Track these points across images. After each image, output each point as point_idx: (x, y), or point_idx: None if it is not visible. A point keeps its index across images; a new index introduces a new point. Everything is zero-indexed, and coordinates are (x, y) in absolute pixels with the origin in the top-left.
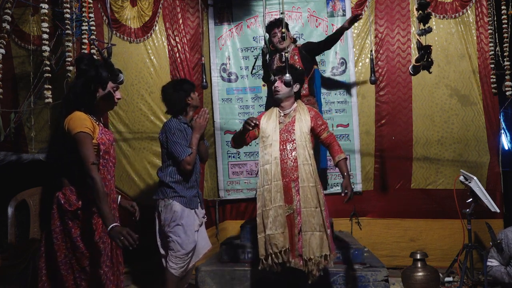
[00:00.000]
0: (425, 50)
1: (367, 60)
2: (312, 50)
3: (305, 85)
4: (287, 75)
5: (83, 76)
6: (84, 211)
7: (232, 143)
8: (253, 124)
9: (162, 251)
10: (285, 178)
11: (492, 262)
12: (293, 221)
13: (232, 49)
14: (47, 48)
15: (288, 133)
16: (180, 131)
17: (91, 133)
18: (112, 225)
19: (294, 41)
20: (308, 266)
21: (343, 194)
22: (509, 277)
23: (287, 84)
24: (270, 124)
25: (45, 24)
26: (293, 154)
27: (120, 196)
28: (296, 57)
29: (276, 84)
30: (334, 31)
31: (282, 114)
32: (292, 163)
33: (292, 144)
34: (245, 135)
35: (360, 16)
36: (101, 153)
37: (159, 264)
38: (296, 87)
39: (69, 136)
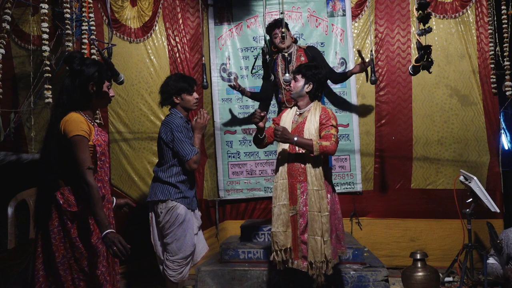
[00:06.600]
0: (425, 50)
1: (367, 60)
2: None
3: None
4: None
5: (79, 77)
6: (83, 211)
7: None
8: (259, 116)
9: (160, 256)
10: (291, 178)
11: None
12: (296, 223)
13: (232, 49)
14: (47, 48)
15: (298, 133)
16: (186, 128)
17: (87, 136)
18: (107, 231)
19: (295, 41)
20: (312, 270)
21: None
22: (501, 272)
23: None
24: (286, 121)
25: (45, 24)
26: (300, 155)
27: (115, 198)
28: (303, 58)
29: (291, 84)
30: (344, 71)
31: (297, 113)
32: (300, 164)
33: None
34: (259, 133)
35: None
36: (97, 155)
37: (156, 264)
38: (308, 87)
39: (65, 139)
